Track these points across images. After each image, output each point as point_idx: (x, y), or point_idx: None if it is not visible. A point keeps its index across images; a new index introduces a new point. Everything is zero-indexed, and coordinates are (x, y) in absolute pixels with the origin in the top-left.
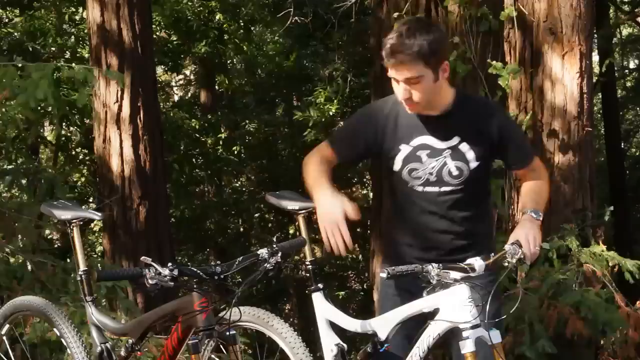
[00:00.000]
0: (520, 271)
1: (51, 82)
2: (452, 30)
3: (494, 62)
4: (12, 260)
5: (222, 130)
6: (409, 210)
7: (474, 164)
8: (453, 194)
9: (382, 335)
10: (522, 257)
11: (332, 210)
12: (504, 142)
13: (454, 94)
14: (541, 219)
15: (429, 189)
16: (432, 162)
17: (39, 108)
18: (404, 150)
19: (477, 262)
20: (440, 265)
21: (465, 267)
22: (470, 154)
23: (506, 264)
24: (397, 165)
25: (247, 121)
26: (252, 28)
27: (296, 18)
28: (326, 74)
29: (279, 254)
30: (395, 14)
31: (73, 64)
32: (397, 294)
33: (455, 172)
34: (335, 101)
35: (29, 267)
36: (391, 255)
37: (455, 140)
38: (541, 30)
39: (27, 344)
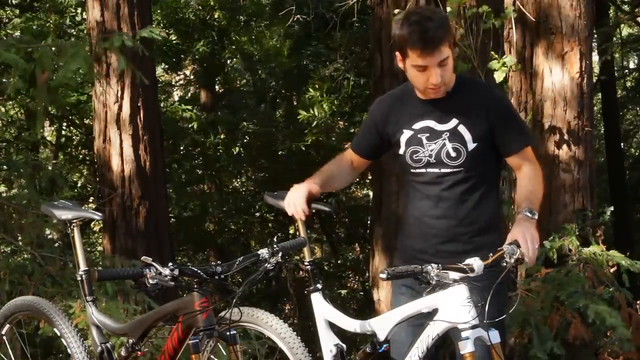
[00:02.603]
0: (519, 271)
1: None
2: (453, 30)
3: (493, 57)
4: (21, 256)
5: (222, 130)
6: (412, 198)
7: (471, 145)
8: (452, 176)
9: (381, 336)
10: (520, 257)
11: (297, 188)
12: (500, 124)
13: (455, 78)
14: (537, 217)
15: (429, 170)
16: (431, 145)
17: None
18: (407, 134)
19: (476, 263)
20: (440, 265)
21: (464, 267)
22: (467, 135)
23: (504, 264)
24: (401, 149)
25: (246, 122)
26: (253, 26)
27: (298, 16)
28: (327, 74)
29: (280, 254)
30: (396, 11)
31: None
32: (403, 292)
33: (453, 154)
34: (328, 98)
35: (39, 262)
36: (398, 249)
37: (453, 122)
38: (541, 30)
39: (28, 344)
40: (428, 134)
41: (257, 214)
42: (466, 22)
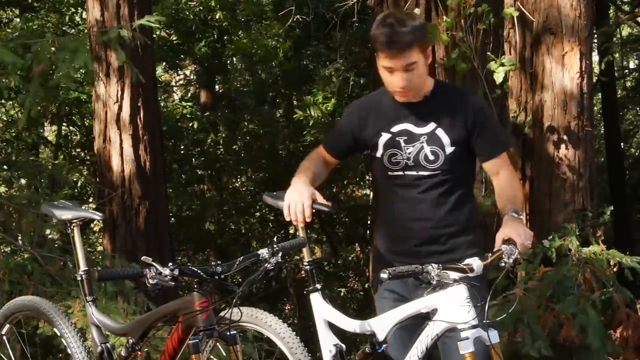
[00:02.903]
0: (519, 271)
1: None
2: (452, 29)
3: (491, 58)
4: (21, 256)
5: (222, 130)
6: (389, 201)
7: (449, 149)
8: (430, 179)
9: (381, 336)
10: (519, 256)
11: (300, 190)
12: (477, 128)
13: (434, 83)
14: (522, 217)
15: (407, 173)
16: (409, 148)
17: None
18: (385, 136)
19: (476, 263)
20: (440, 265)
21: (464, 267)
22: (445, 139)
23: (503, 264)
24: (379, 151)
25: (246, 122)
26: (253, 26)
27: (298, 16)
28: (327, 74)
29: (279, 254)
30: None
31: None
32: (386, 296)
33: (431, 157)
34: (332, 99)
35: (39, 262)
36: (376, 252)
37: (431, 126)
38: (541, 30)
39: (28, 344)
40: (406, 137)
41: (257, 214)
42: (466, 22)
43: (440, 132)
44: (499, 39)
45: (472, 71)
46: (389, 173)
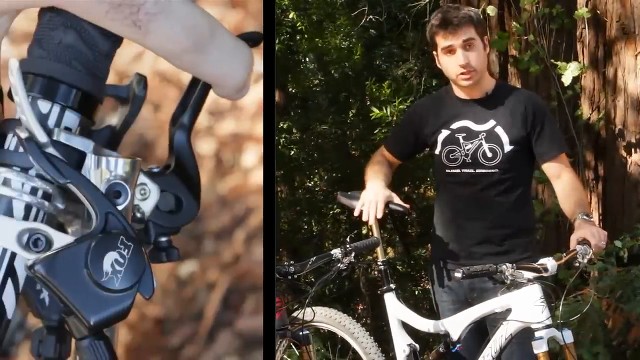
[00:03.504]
0: (591, 271)
1: None
2: (526, 29)
3: (558, 63)
4: None
5: (295, 130)
6: (445, 199)
7: (507, 148)
8: (487, 177)
9: (455, 336)
10: (593, 256)
11: (377, 192)
12: (537, 129)
13: (496, 82)
14: (593, 219)
15: (464, 170)
16: (468, 145)
17: None
18: (444, 133)
19: (550, 262)
20: (514, 265)
21: (539, 267)
22: (504, 138)
23: (577, 264)
24: (437, 148)
25: (318, 123)
26: (325, 26)
27: (370, 16)
28: (399, 74)
29: (352, 254)
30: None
31: None
32: (445, 299)
33: (489, 155)
34: (401, 97)
35: None
36: (432, 252)
37: (491, 124)
38: (614, 30)
39: None
40: (465, 134)
41: (330, 214)
42: (539, 22)
43: (499, 130)
44: (572, 37)
45: (545, 71)
46: (447, 170)
